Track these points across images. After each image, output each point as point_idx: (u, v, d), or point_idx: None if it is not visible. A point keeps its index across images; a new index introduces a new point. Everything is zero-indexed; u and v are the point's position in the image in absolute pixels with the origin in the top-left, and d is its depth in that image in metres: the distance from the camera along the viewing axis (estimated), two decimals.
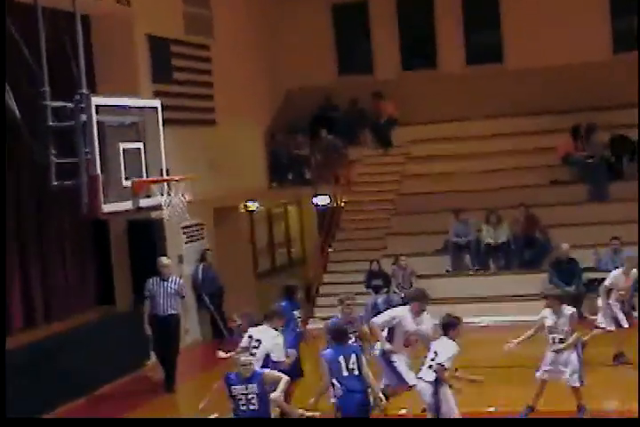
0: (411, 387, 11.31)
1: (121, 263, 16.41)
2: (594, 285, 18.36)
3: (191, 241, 18.10)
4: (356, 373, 9.79)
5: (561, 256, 18.55)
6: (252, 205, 20.47)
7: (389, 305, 18.58)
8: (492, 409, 12.00)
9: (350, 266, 19.79)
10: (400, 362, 11.73)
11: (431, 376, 10.24)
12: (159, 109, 11.04)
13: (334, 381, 9.76)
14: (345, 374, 9.70)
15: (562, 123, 21.64)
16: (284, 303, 12.18)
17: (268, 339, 10.96)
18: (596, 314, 17.37)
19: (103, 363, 14.40)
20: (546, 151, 21.58)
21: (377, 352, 11.73)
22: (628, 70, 21.41)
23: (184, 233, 17.75)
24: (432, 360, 10.33)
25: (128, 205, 10.27)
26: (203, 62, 18.95)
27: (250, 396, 9.16)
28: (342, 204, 21.87)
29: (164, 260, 14.73)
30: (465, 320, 18.05)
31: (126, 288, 16.31)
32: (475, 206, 20.05)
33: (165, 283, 14.26)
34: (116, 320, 15.54)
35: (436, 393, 10.15)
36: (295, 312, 12.43)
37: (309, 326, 14.55)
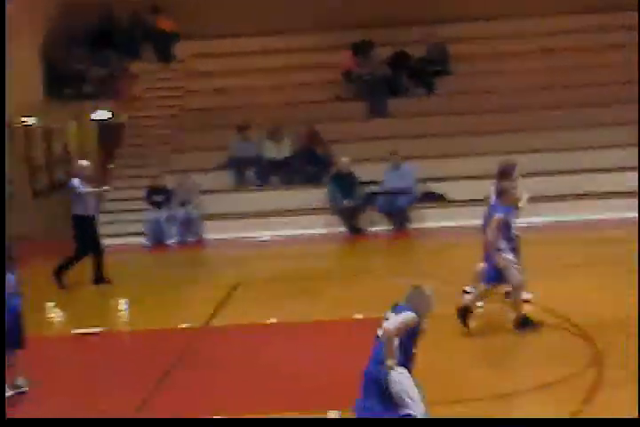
0: None
1: None
2: (373, 198, 19.37)
3: None
4: None
5: (341, 170, 19.06)
6: (29, 121, 19.87)
7: (172, 221, 18.94)
8: (273, 320, 12.23)
9: (132, 182, 19.78)
10: None
11: None
12: None
13: None
14: None
15: (343, 39, 22.06)
16: None
17: None
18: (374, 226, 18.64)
19: None
20: (328, 67, 21.94)
21: None
22: None
23: None
24: None
25: None
26: None
27: None
28: (124, 119, 21.63)
29: None
30: (247, 235, 18.79)
31: None
32: (258, 122, 20.18)
33: None
34: None
35: None
36: None
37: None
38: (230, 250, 18.32)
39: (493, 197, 12.64)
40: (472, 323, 11.42)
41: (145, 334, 11.88)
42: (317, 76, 22.37)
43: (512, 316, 11.61)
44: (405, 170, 19.43)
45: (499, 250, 11.66)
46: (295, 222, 19.36)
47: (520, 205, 12.41)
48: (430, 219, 19.64)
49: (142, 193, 19.05)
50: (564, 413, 8.55)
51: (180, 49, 22.25)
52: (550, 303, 12.48)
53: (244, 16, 22.18)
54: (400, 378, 7.68)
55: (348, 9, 22.82)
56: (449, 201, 19.95)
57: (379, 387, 7.63)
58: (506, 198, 11.94)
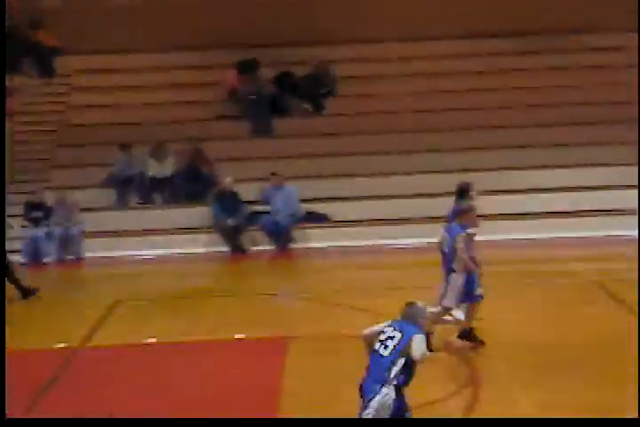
0: None
1: None
2: (256, 217, 19.39)
3: None
4: None
5: (224, 189, 19.10)
6: None
7: (51, 238, 18.64)
8: (152, 340, 12.33)
9: (12, 198, 19.27)
10: None
11: None
12: None
13: None
14: None
15: (229, 58, 22.13)
16: None
17: None
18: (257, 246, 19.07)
19: None
20: (213, 86, 21.99)
21: None
22: (290, 10, 22.59)
23: None
24: None
25: None
26: None
27: None
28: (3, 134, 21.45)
29: None
30: (129, 253, 18.63)
31: None
32: (141, 139, 20.13)
33: None
34: None
35: None
36: None
37: None
38: (110, 268, 18.24)
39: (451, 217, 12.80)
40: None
41: (17, 354, 11.55)
42: (202, 94, 22.39)
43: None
44: (287, 190, 19.54)
45: (453, 271, 11.98)
46: (177, 241, 19.34)
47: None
48: (313, 239, 19.80)
49: (20, 209, 18.67)
50: None
51: (64, 64, 22.12)
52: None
53: (130, 33, 22.21)
54: (382, 402, 7.88)
55: (234, 28, 22.88)
56: (332, 221, 20.05)
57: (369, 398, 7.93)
58: (466, 217, 12.17)
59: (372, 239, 19.82)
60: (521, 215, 20.37)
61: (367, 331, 8.25)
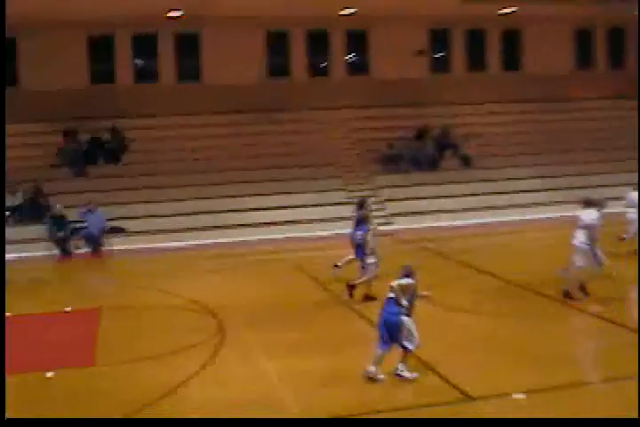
0: None
1: None
2: (76, 231, 20.71)
3: None
4: None
5: (55, 213, 20.83)
6: None
7: None
8: (9, 314, 12.57)
9: None
10: None
11: None
12: None
13: None
14: None
15: (60, 126, 24.20)
16: None
17: None
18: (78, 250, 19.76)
19: None
20: (50, 144, 23.47)
21: None
22: (99, 95, 24.79)
23: None
24: None
25: None
26: None
27: None
28: None
29: None
30: None
31: None
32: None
33: None
34: None
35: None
36: None
37: None
38: None
39: (357, 221, 14.09)
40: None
41: None
42: (42, 149, 23.82)
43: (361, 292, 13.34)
44: (98, 213, 20.99)
45: (366, 254, 13.35)
46: (26, 248, 20.05)
47: None
48: (116, 244, 21.07)
49: None
50: (184, 375, 9.64)
51: None
52: (194, 295, 14.53)
53: None
54: (408, 322, 9.28)
55: (60, 107, 24.54)
56: (129, 232, 21.60)
57: (396, 327, 9.21)
58: (366, 219, 13.78)
59: (155, 243, 21.04)
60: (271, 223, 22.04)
61: (392, 284, 9.36)
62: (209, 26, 26.33)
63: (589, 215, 13.20)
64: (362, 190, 23.94)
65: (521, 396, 8.88)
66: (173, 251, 20.45)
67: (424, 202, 23.63)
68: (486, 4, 23.63)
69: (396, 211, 23.28)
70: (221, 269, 17.82)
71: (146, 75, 26.91)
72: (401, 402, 9.00)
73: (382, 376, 9.50)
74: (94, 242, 20.89)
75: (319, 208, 23.06)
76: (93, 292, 14.47)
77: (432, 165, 26.27)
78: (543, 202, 24.66)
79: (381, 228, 19.74)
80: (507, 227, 22.55)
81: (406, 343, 9.21)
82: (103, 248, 20.87)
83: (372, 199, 21.81)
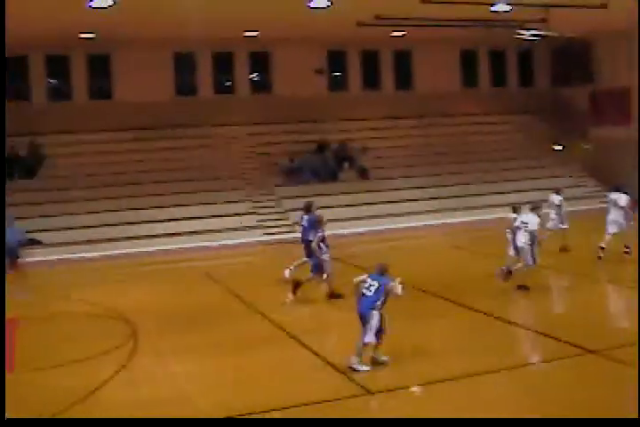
0: None
1: None
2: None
3: None
4: None
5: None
6: None
7: None
8: None
9: None
10: None
11: None
12: None
13: None
14: None
15: None
16: None
17: None
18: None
19: None
20: None
21: None
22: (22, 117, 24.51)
23: None
24: None
25: None
26: None
27: None
28: None
29: None
30: None
31: None
32: None
33: None
34: None
35: None
36: None
37: None
38: None
39: (305, 222, 14.52)
40: None
41: None
42: None
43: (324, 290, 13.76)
44: (17, 228, 21.21)
45: (320, 249, 13.72)
46: None
47: None
48: (32, 255, 21.10)
49: None
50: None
51: None
52: (108, 303, 14.68)
53: None
54: (376, 316, 9.55)
55: None
56: (45, 244, 21.66)
57: (367, 319, 9.49)
58: (320, 222, 14.12)
59: (71, 254, 21.16)
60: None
61: (356, 280, 9.77)
62: (120, 47, 26.66)
63: (532, 219, 14.33)
64: (265, 201, 24.63)
65: (418, 389, 9.32)
66: (88, 261, 20.64)
67: (325, 211, 23.94)
68: (379, 27, 24.31)
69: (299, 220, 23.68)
70: (134, 277, 18.17)
71: (59, 93, 27.15)
72: (306, 398, 9.17)
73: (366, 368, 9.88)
74: (11, 255, 20.85)
75: (225, 218, 23.56)
76: (10, 303, 13.79)
77: (331, 176, 27.16)
78: (430, 210, 25.74)
79: (285, 236, 20.61)
80: (395, 233, 23.67)
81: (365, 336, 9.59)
82: (20, 260, 20.89)
83: (275, 209, 22.89)
